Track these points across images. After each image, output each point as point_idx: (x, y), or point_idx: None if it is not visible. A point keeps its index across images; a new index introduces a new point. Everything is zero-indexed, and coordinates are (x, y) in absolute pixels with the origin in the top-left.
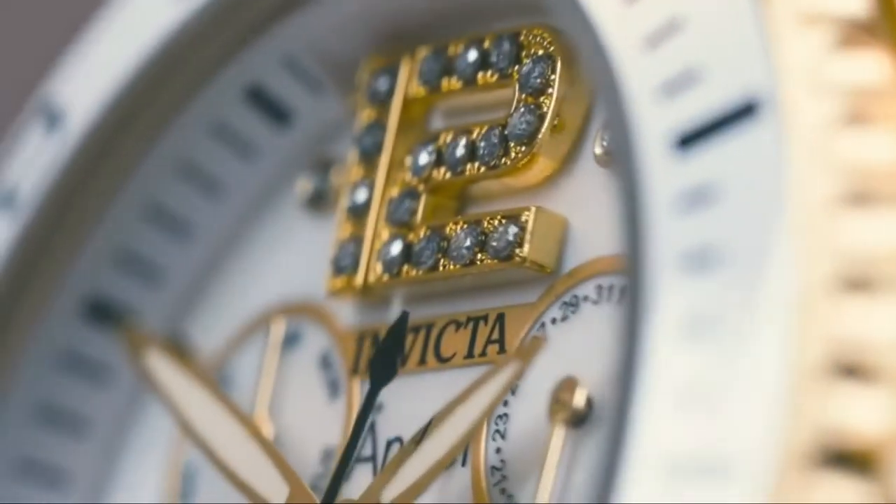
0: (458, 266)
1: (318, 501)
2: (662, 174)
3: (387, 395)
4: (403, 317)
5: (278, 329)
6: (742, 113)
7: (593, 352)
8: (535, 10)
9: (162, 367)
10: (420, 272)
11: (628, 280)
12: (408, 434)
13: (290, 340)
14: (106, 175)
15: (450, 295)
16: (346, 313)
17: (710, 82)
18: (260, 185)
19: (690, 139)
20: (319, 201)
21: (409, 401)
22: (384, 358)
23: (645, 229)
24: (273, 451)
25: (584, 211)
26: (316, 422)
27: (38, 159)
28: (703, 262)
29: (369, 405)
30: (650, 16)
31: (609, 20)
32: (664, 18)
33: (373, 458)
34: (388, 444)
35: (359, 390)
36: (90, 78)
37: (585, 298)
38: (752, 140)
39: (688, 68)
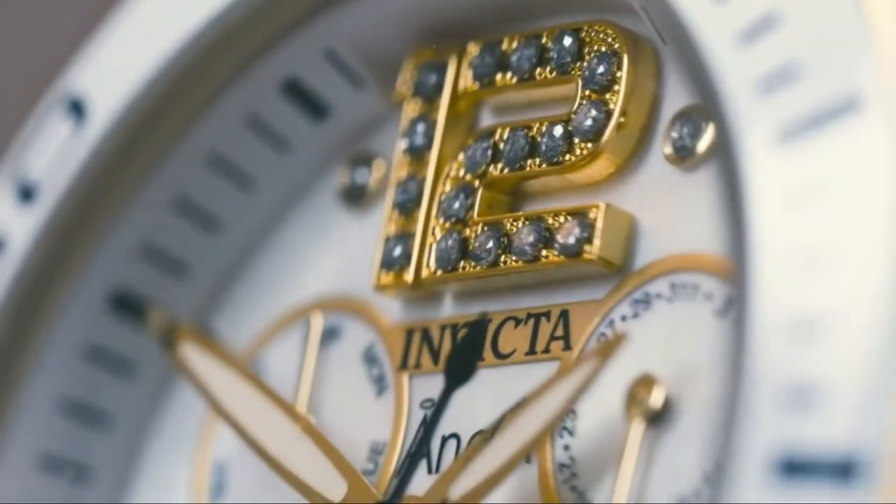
0: (521, 262)
1: (381, 499)
2: (765, 171)
3: (440, 391)
4: (483, 318)
5: (317, 323)
6: (845, 109)
7: (667, 349)
8: (589, 7)
9: (199, 359)
10: (480, 268)
11: (735, 278)
12: (464, 431)
13: (329, 335)
14: (133, 167)
15: (506, 291)
16: (392, 308)
17: (811, 78)
18: (294, 179)
19: (793, 135)
20: (356, 196)
21: (464, 397)
22: (461, 358)
23: (750, 226)
24: (328, 446)
25: (651, 208)
26: (361, 417)
27: (60, 150)
28: (809, 260)
29: (443, 404)
30: (745, 11)
31: (701, 17)
32: (760, 14)
33: (426, 455)
34: (444, 441)
35: (407, 385)
36: (118, 67)
37: (658, 296)
38: (856, 136)
39: (787, 64)
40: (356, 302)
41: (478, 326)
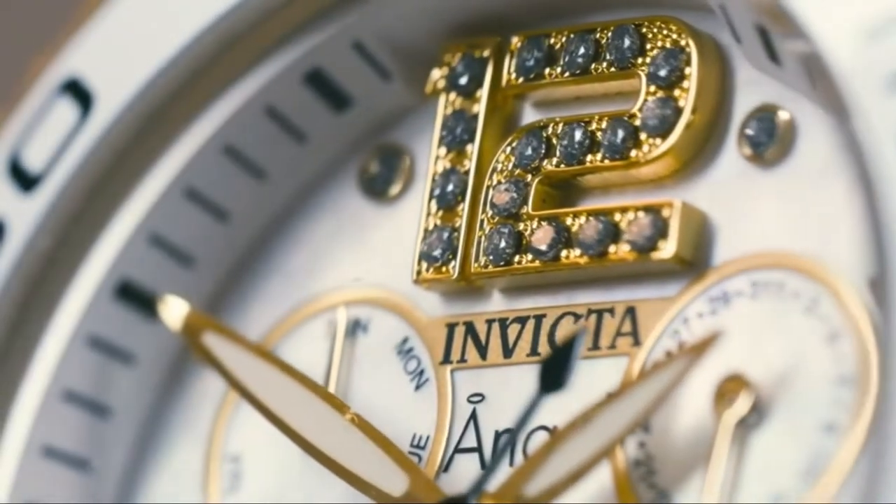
0: (586, 257)
1: (444, 493)
2: None
3: (491, 385)
4: (581, 331)
5: (343, 316)
6: None
7: (753, 346)
8: (633, 3)
9: (225, 351)
10: (539, 263)
11: (878, 280)
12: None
13: (355, 329)
14: (142, 155)
15: (561, 286)
16: (426, 302)
17: None
18: (311, 171)
19: None
20: (379, 189)
21: (516, 392)
22: (557, 365)
23: (890, 227)
24: (382, 437)
25: (723, 204)
26: (398, 411)
27: (66, 135)
28: None
29: (532, 409)
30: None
31: (824, 17)
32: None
33: (478, 450)
34: (497, 436)
35: (450, 379)
36: (128, 51)
37: (739, 293)
38: None
39: None
40: (383, 295)
41: (574, 338)
